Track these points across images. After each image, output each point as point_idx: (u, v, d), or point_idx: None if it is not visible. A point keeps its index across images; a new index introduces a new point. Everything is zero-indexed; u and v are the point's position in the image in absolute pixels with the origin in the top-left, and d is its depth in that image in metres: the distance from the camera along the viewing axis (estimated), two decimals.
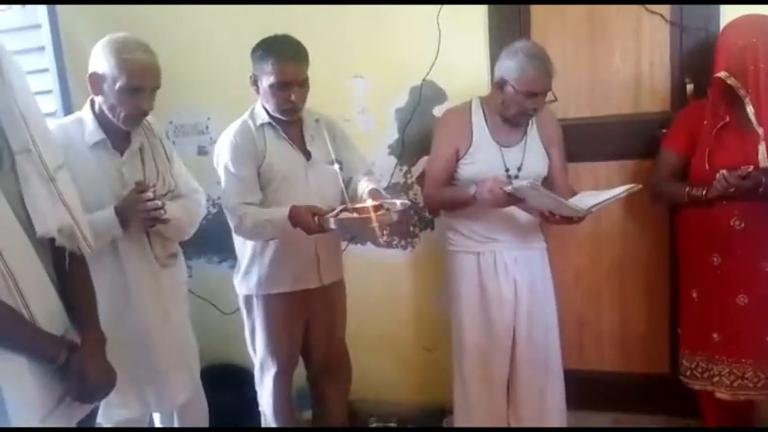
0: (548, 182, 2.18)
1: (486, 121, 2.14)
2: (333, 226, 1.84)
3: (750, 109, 1.94)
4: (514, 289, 2.15)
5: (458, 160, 2.14)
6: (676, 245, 2.26)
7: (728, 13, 2.14)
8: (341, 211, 1.87)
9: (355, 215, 1.83)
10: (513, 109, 2.05)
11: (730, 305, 2.05)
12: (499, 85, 2.05)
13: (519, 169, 2.11)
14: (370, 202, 1.86)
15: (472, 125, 2.14)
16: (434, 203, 2.31)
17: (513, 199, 1.94)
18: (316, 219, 1.88)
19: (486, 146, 2.12)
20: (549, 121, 2.19)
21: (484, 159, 2.11)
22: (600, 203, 1.92)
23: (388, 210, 1.84)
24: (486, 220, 2.12)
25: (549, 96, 2.04)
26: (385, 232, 1.80)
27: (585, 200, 1.98)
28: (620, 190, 1.95)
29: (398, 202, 1.90)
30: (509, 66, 2.01)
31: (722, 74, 1.97)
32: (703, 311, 2.12)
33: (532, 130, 2.16)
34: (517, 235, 2.15)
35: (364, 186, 2.04)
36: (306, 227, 1.90)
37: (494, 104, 2.12)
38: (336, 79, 2.53)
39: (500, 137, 2.13)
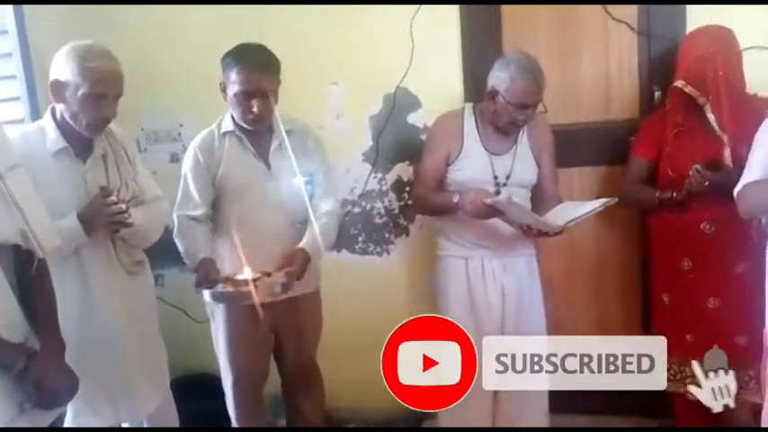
0: (537, 190, 2.19)
1: (477, 129, 2.15)
2: (207, 299, 1.97)
3: (711, 116, 1.99)
4: (502, 295, 2.16)
5: (448, 165, 2.15)
6: (648, 250, 2.29)
7: (694, 20, 2.19)
8: (225, 278, 1.94)
9: (229, 288, 1.90)
10: (504, 119, 2.06)
11: (702, 308, 2.09)
12: (491, 94, 2.06)
13: (507, 177, 2.12)
14: (248, 274, 1.89)
15: (463, 132, 2.15)
16: (422, 207, 2.33)
17: (494, 211, 1.95)
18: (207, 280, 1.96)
19: (476, 153, 2.13)
20: (540, 129, 2.19)
21: (473, 166, 2.12)
22: (576, 219, 1.94)
23: (269, 276, 1.90)
24: (474, 226, 2.11)
25: (540, 108, 2.05)
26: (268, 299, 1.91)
27: (564, 213, 2.00)
28: (597, 204, 1.97)
29: (283, 273, 1.93)
30: (500, 77, 2.02)
31: (679, 83, 2.03)
32: (675, 315, 2.15)
33: (523, 139, 2.16)
34: (505, 242, 2.15)
35: (312, 230, 2.06)
36: (197, 284, 1.99)
37: (486, 113, 2.13)
38: (311, 86, 2.52)
39: (490, 144, 2.14)
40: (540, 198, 2.17)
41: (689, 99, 2.02)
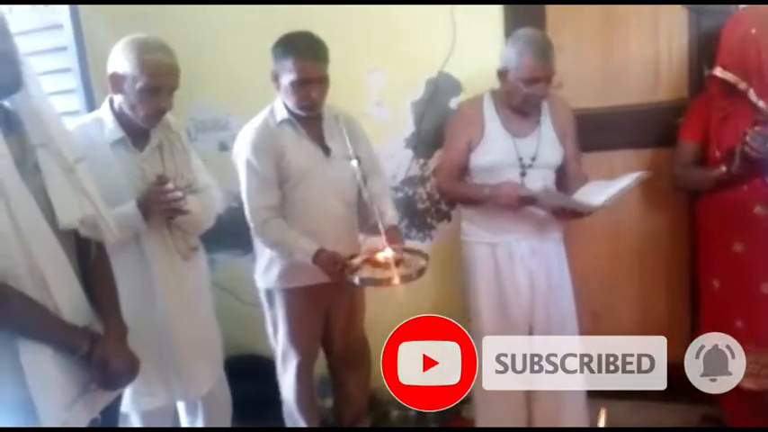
0: (561, 171, 2.19)
1: (497, 112, 2.15)
2: (356, 282, 1.92)
3: (754, 99, 1.92)
4: (530, 280, 2.16)
5: (470, 151, 2.15)
6: (695, 233, 2.25)
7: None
8: (363, 261, 1.94)
9: (377, 274, 1.90)
10: (516, 97, 2.06)
11: (754, 293, 2.04)
12: (502, 74, 2.07)
13: (533, 159, 2.11)
14: (390, 253, 1.91)
15: (484, 116, 2.15)
16: (449, 196, 2.34)
17: (527, 201, 1.97)
18: (338, 267, 1.96)
19: (498, 136, 2.13)
20: (562, 111, 2.19)
21: (496, 149, 2.12)
22: (612, 197, 1.92)
23: (408, 265, 1.90)
24: (501, 212, 2.12)
25: (555, 82, 2.03)
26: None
27: (595, 192, 1.98)
28: (630, 179, 1.95)
29: (417, 252, 1.97)
30: (508, 54, 2.03)
31: (717, 71, 1.97)
32: (725, 300, 2.11)
33: (546, 120, 2.16)
34: (533, 226, 2.15)
35: (383, 210, 2.10)
36: (328, 273, 2.00)
37: (501, 95, 2.14)
38: (353, 73, 2.54)
39: (512, 127, 2.13)
40: (566, 177, 2.18)
41: (730, 84, 1.96)
